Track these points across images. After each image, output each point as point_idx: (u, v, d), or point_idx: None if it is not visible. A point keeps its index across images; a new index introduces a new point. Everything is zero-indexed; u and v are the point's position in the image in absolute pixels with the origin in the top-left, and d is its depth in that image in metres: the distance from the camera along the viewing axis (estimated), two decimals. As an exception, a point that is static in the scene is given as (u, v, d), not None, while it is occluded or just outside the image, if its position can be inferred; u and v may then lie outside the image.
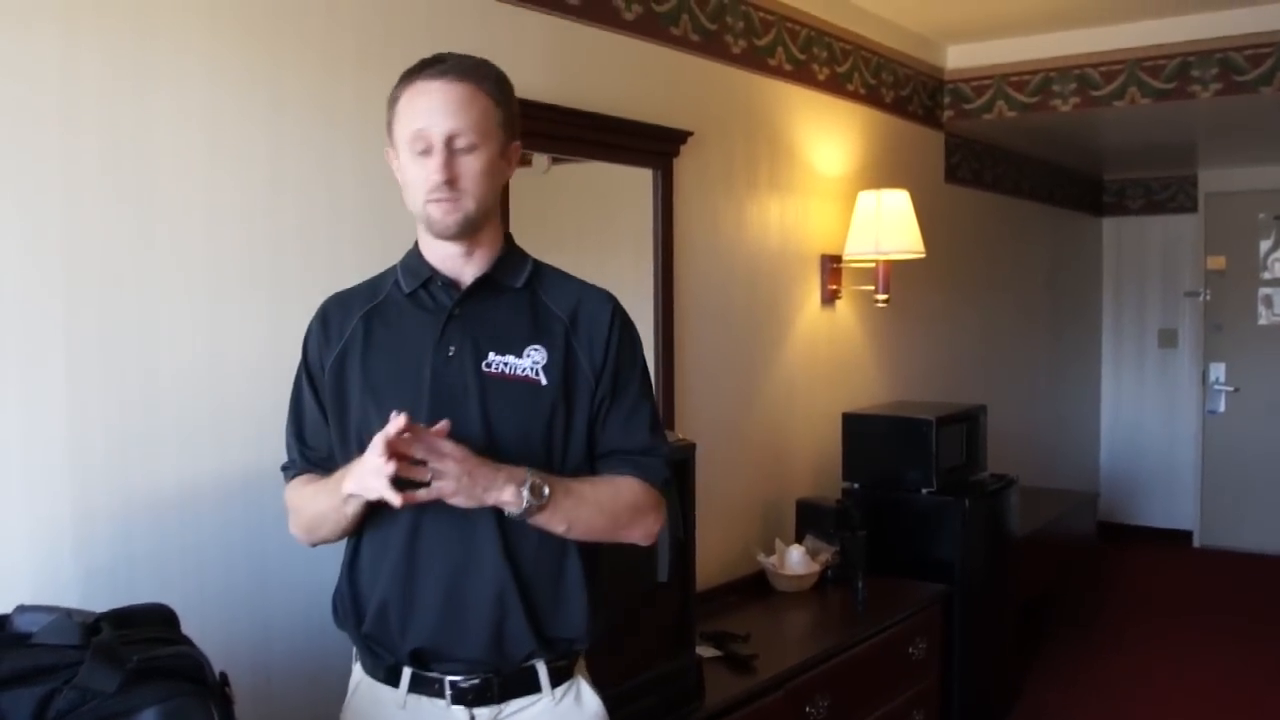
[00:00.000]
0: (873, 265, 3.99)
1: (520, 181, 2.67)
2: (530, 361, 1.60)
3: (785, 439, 3.81)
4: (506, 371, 1.60)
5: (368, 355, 1.65)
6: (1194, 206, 6.86)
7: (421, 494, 1.49)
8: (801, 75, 3.81)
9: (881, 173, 4.25)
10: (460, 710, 1.62)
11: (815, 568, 3.43)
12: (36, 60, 1.82)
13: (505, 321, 1.63)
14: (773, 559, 3.47)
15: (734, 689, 2.62)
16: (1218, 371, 6.82)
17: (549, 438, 1.61)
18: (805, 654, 2.85)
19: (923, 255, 3.97)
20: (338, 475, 1.58)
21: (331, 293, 1.75)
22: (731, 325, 3.52)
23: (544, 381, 1.60)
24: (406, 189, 1.62)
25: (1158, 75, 4.38)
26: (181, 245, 2.03)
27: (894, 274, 4.05)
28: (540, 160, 2.82)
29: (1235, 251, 6.76)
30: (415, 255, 1.68)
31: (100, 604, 1.60)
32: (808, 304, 3.92)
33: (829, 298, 4.00)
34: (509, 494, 1.52)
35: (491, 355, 1.60)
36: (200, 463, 2.06)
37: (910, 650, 3.26)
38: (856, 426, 3.84)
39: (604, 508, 1.62)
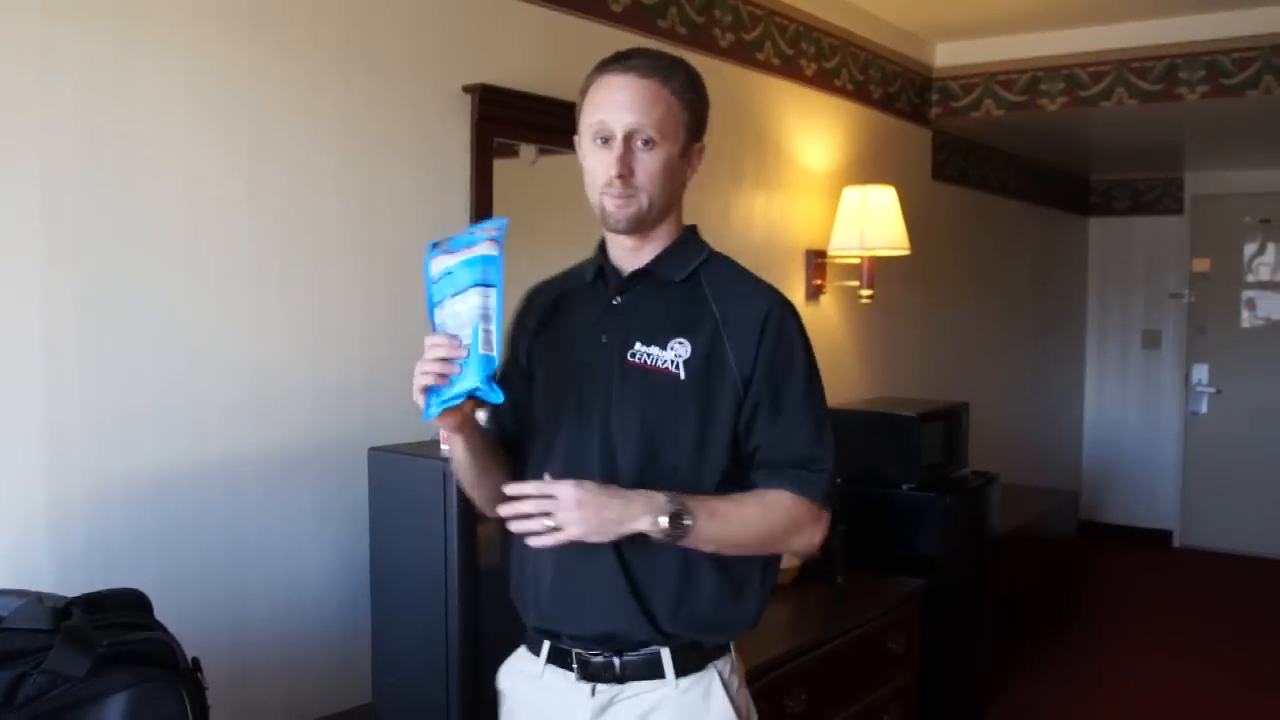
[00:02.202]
0: (857, 261, 4.00)
1: (507, 173, 2.67)
2: (673, 354, 1.58)
3: (768, 433, 3.81)
4: (648, 362, 1.58)
5: (546, 337, 1.69)
6: (1180, 208, 6.89)
7: (549, 539, 1.49)
8: (789, 70, 3.81)
9: (868, 169, 4.25)
10: (585, 685, 1.61)
11: (794, 562, 3.44)
12: (15, 43, 1.81)
13: (658, 313, 1.62)
14: (753, 553, 3.47)
15: (711, 682, 2.61)
16: (1200, 373, 6.86)
17: (679, 432, 1.57)
18: (783, 648, 2.85)
19: (908, 252, 3.97)
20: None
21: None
22: (715, 319, 3.51)
23: (682, 376, 1.57)
24: (585, 178, 1.63)
25: (1145, 76, 4.40)
26: (161, 232, 2.02)
27: (878, 270, 4.06)
28: (528, 151, 2.81)
29: (1220, 254, 6.81)
30: (600, 245, 1.70)
31: (75, 589, 1.60)
32: (792, 299, 3.90)
33: (813, 293, 4.01)
34: (645, 524, 1.49)
35: (638, 345, 1.59)
36: (178, 449, 2.06)
37: (889, 645, 3.27)
38: (838, 421, 3.74)
39: (751, 528, 1.57)
